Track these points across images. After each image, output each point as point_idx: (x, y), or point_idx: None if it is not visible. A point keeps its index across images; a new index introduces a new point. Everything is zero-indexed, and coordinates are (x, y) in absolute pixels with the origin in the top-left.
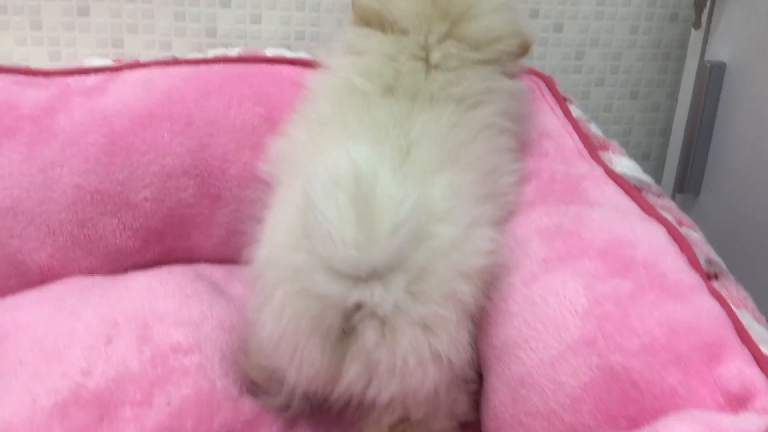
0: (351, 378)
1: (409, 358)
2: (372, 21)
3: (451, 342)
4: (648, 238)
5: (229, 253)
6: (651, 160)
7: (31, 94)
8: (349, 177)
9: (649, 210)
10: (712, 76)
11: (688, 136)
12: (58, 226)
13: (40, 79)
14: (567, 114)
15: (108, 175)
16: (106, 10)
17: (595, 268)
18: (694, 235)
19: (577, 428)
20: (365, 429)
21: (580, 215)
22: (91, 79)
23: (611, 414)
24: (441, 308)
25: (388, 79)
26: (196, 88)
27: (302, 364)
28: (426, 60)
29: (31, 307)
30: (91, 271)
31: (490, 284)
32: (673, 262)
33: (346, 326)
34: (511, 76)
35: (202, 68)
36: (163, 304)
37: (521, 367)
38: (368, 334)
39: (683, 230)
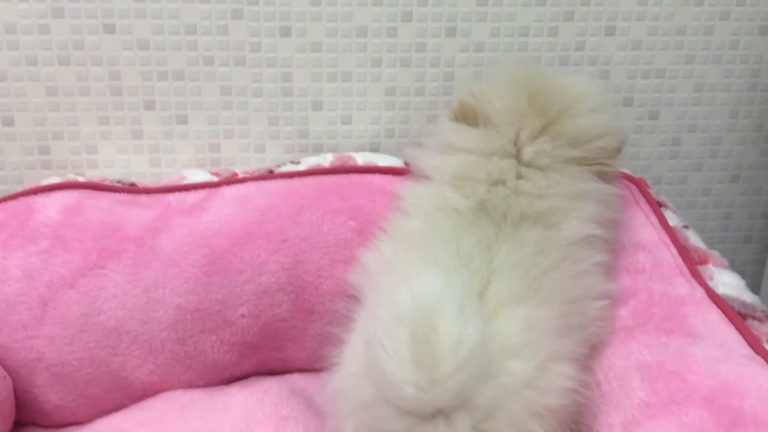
0: None
1: None
2: (468, 117)
3: None
4: (757, 386)
5: (320, 363)
6: (753, 242)
7: (135, 215)
8: (410, 315)
9: (756, 346)
10: None
11: None
12: (159, 345)
13: (143, 198)
14: (663, 222)
15: (207, 295)
16: (204, 117)
17: (701, 420)
18: None
19: None
20: None
21: (683, 352)
22: (191, 197)
23: None
24: None
25: (481, 191)
26: (291, 204)
27: None
28: (517, 157)
29: (136, 430)
30: (190, 384)
31: (569, 424)
32: None
33: None
34: (606, 178)
35: (296, 182)
36: (261, 428)
37: None
38: None
39: None
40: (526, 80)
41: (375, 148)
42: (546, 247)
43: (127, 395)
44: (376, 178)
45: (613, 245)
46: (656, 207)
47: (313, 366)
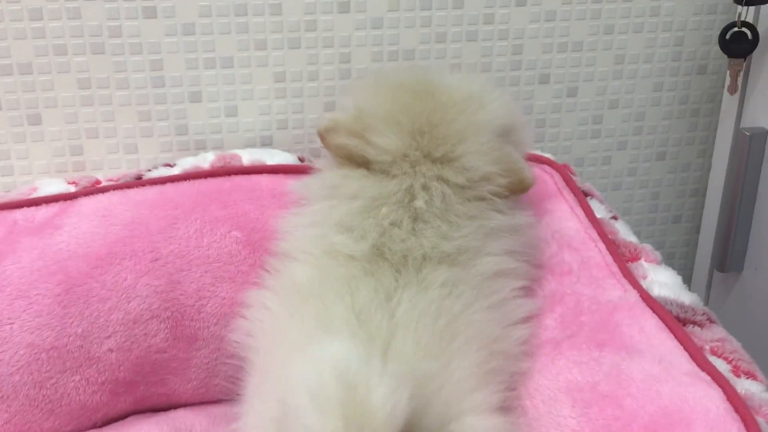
0: None
1: None
2: (353, 159)
3: None
4: (704, 410)
5: (210, 394)
6: (683, 222)
7: None
8: (337, 387)
9: (699, 359)
10: (753, 145)
11: (726, 210)
12: (11, 391)
13: None
14: (589, 215)
15: (64, 329)
16: (61, 116)
17: None
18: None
19: None
20: None
21: (617, 370)
22: (42, 213)
23: None
24: None
25: (374, 235)
26: (162, 215)
27: None
28: (409, 206)
29: None
30: None
31: None
32: None
33: None
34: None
35: (169, 189)
36: None
37: None
38: None
39: (742, 384)
40: (408, 105)
41: (267, 143)
42: (455, 287)
43: None
44: (264, 179)
45: (533, 262)
46: (581, 197)
47: (201, 399)
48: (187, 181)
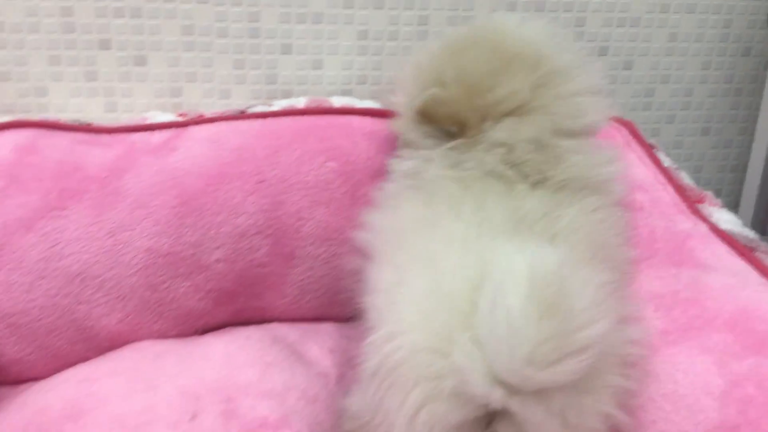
0: None
1: None
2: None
3: None
4: None
5: (302, 312)
6: (723, 196)
7: (96, 154)
8: (545, 285)
9: None
10: None
11: (765, 185)
12: (128, 291)
13: (104, 137)
14: (657, 163)
15: (179, 238)
16: (164, 59)
17: (725, 344)
18: None
19: None
20: None
21: (696, 281)
22: (157, 137)
23: None
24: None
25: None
26: (266, 144)
27: None
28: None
29: (106, 380)
30: (161, 335)
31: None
32: None
33: None
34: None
35: (271, 122)
36: (244, 374)
37: None
38: None
39: None
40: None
41: (347, 96)
42: (601, 212)
43: (92, 347)
44: (355, 120)
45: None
46: (648, 148)
47: (293, 315)
48: (287, 116)
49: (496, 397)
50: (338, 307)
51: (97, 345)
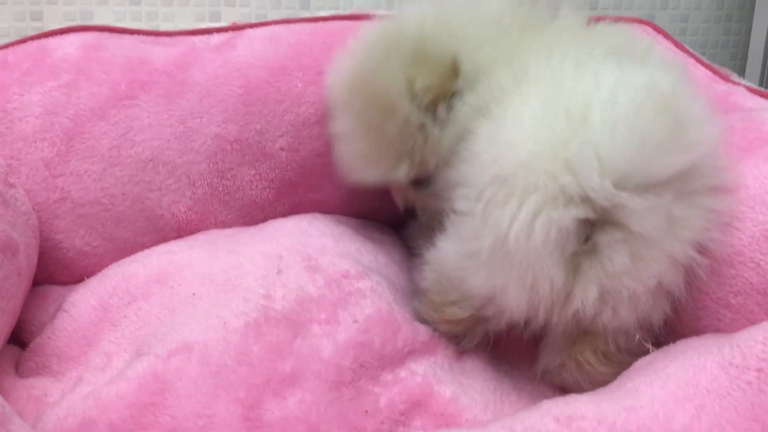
0: (585, 301)
1: (653, 288)
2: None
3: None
4: None
5: (357, 207)
6: None
7: (160, 51)
8: (660, 91)
9: None
10: None
11: None
12: (198, 177)
13: (165, 39)
14: (685, 50)
15: (246, 125)
16: None
17: None
18: None
19: None
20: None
21: (748, 116)
22: (215, 38)
23: None
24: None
25: None
26: (321, 41)
27: (539, 282)
28: None
29: (185, 252)
30: (226, 225)
31: None
32: None
33: (585, 247)
34: None
35: (322, 24)
36: (319, 241)
37: (727, 248)
38: (617, 259)
39: None
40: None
41: None
42: None
43: (160, 237)
44: None
45: None
46: (674, 39)
47: (347, 211)
48: (335, 20)
49: (609, 191)
50: (391, 208)
51: (165, 236)
